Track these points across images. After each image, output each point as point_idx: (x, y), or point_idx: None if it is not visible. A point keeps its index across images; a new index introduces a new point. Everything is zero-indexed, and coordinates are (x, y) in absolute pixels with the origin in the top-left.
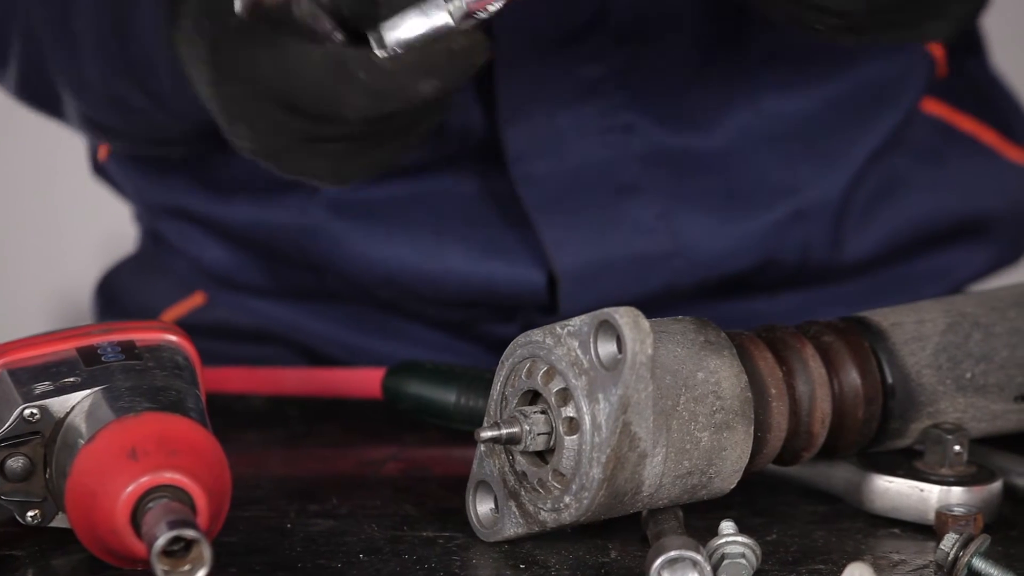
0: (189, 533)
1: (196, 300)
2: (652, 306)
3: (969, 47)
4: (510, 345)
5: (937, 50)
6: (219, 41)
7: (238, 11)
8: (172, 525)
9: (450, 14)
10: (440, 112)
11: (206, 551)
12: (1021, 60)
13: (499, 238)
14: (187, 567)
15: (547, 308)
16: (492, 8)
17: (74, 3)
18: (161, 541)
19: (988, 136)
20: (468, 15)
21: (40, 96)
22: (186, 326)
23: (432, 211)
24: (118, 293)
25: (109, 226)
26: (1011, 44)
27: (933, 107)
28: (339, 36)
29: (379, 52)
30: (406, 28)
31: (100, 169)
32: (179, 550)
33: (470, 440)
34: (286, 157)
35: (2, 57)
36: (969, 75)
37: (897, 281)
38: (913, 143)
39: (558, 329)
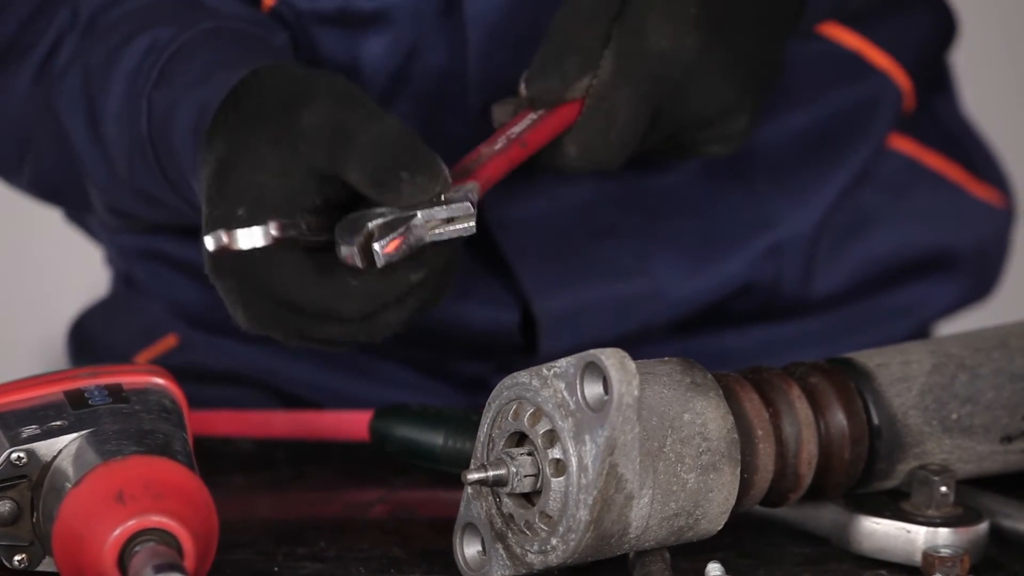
0: None
1: (168, 342)
2: (627, 344)
3: (937, 85)
4: (497, 387)
5: (904, 82)
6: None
7: (210, 250)
8: (159, 569)
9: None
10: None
11: None
12: (989, 99)
13: (473, 280)
14: None
15: (521, 348)
16: (451, 229)
17: (104, 111)
18: None
19: (954, 172)
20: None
21: (54, 191)
22: (168, 369)
23: None
24: (90, 336)
25: (97, 268)
26: (980, 83)
27: (900, 143)
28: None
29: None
30: (392, 245)
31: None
32: None
33: (457, 482)
34: (288, 343)
35: (18, 160)
36: (936, 113)
37: (866, 316)
38: (881, 178)
39: (544, 371)
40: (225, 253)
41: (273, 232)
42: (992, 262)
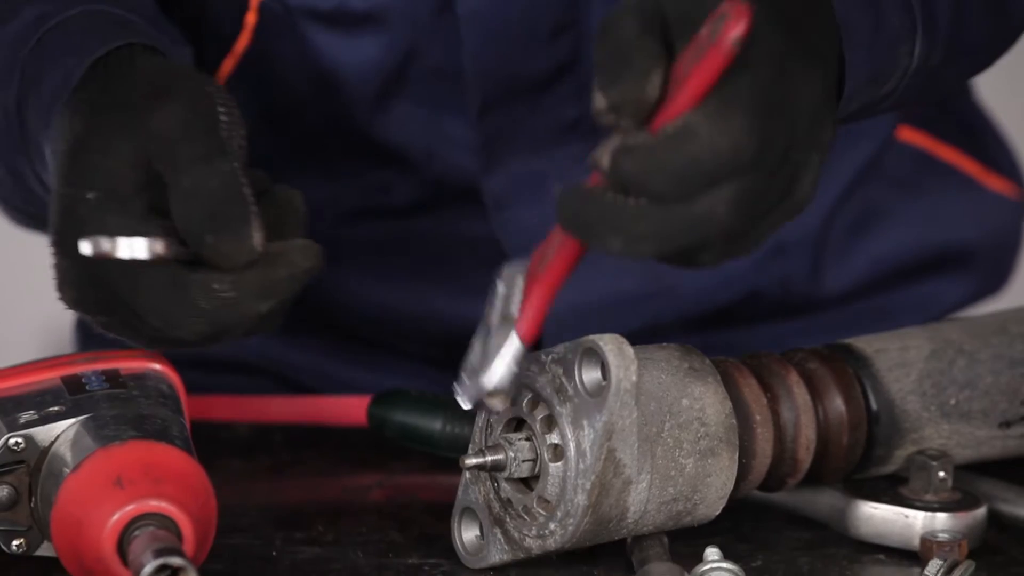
0: (176, 561)
1: None
2: (634, 342)
3: None
4: None
5: None
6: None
7: (84, 252)
8: (158, 553)
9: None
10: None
11: None
12: (1004, 89)
13: (482, 280)
14: None
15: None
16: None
17: None
18: (148, 569)
19: (968, 165)
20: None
21: None
22: (167, 356)
23: (415, 253)
24: None
25: None
26: (994, 73)
27: (912, 136)
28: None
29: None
30: (498, 373)
31: None
32: None
33: (455, 467)
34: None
35: None
36: (951, 107)
37: (877, 313)
38: (891, 173)
39: (543, 356)
40: (102, 258)
41: (158, 249)
42: (1006, 255)
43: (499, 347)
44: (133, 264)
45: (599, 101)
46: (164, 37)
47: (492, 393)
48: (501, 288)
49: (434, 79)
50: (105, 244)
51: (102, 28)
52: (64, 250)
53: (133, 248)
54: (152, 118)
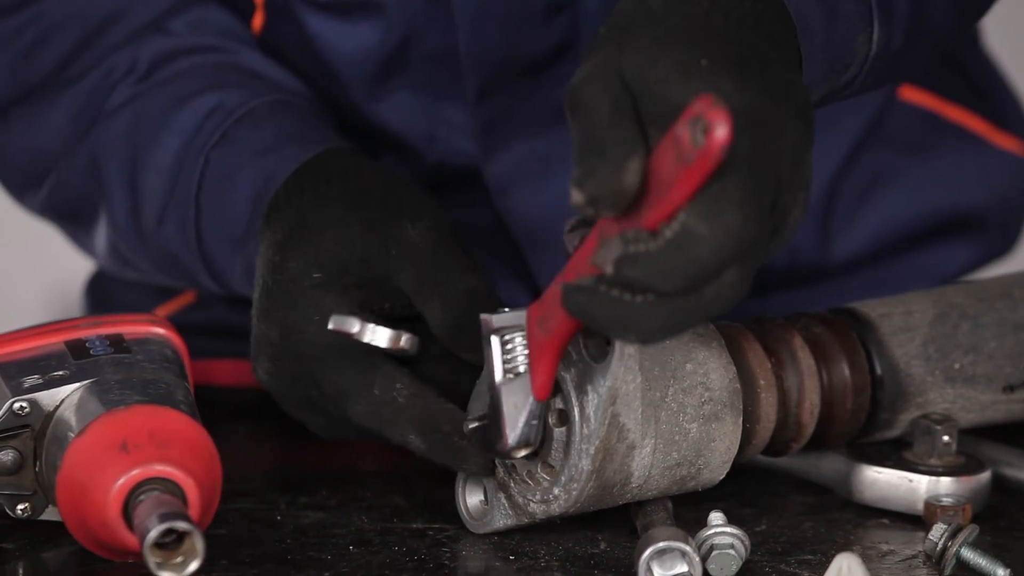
0: (181, 525)
1: (186, 298)
2: None
3: None
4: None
5: None
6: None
7: (331, 328)
8: (164, 518)
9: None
10: None
11: (199, 543)
12: (1014, 39)
13: (488, 265)
14: (179, 559)
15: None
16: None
17: (147, 162)
18: (153, 534)
19: (977, 125)
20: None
21: (65, 216)
22: (177, 324)
23: None
24: (108, 291)
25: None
26: (1006, 26)
27: (918, 97)
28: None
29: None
30: (520, 431)
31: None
32: (171, 542)
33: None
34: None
35: (38, 180)
36: (958, 61)
37: (886, 279)
38: (897, 135)
39: None
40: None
41: (402, 343)
42: (1015, 216)
43: (516, 406)
44: (335, 343)
45: (576, 196)
46: (326, 126)
47: (516, 448)
48: (495, 343)
49: (432, 64)
50: (354, 326)
51: (291, 126)
52: (271, 319)
53: (376, 335)
54: (402, 230)
